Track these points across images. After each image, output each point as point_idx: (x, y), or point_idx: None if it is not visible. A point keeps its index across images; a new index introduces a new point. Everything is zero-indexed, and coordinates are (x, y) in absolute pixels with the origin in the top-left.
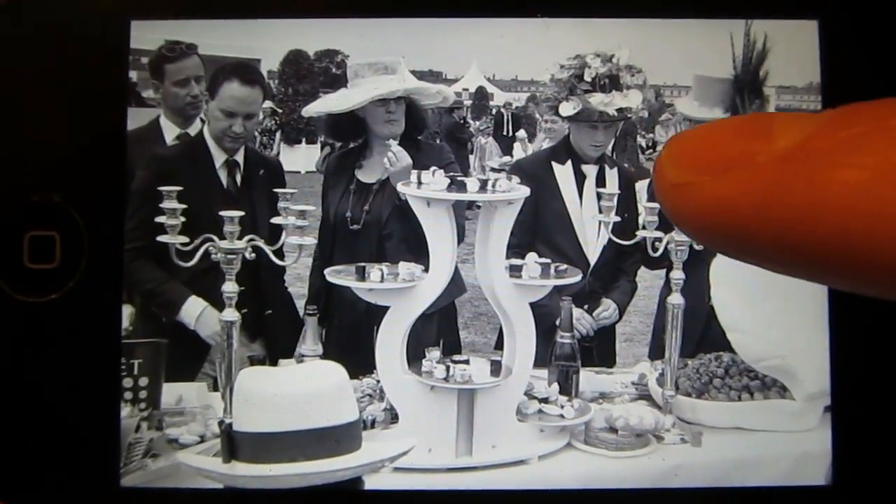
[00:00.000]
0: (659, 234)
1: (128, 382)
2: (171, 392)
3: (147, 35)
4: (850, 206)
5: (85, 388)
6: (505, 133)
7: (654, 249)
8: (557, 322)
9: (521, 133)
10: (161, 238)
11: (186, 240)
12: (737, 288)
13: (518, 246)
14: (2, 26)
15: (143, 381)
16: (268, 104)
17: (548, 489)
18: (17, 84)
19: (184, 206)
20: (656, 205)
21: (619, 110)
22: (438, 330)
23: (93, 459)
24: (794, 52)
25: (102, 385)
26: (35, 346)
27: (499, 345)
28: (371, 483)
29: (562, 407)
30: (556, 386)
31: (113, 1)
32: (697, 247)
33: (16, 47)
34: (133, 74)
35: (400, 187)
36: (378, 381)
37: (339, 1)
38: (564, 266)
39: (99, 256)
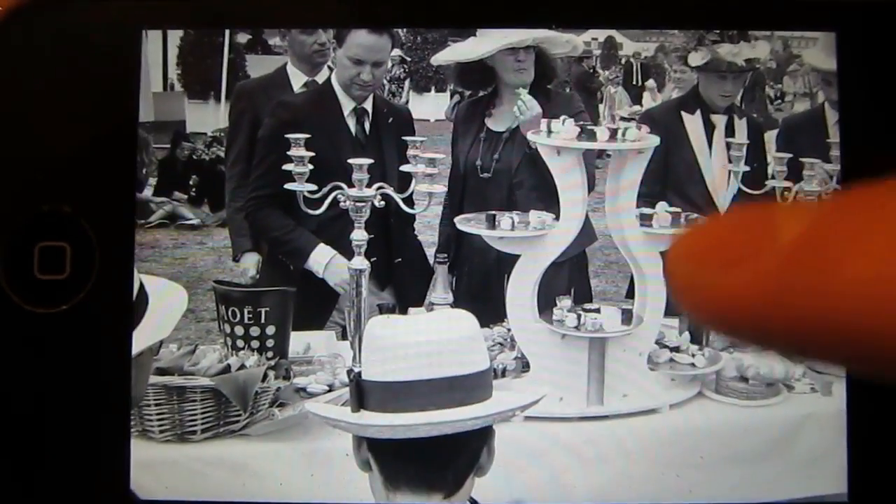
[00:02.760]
0: (788, 183)
1: (254, 331)
2: (299, 341)
3: None
4: (856, 301)
5: (95, 399)
6: (634, 83)
7: (784, 199)
8: None
9: (651, 83)
10: (289, 186)
11: (314, 187)
12: None
13: (648, 195)
14: (12, 35)
15: (270, 330)
16: (396, 52)
17: None
18: (27, 94)
19: (311, 153)
20: (786, 154)
21: (748, 61)
22: (569, 278)
23: (102, 470)
24: None
25: (112, 396)
26: (45, 358)
27: (630, 293)
28: (502, 432)
29: (693, 356)
30: (687, 335)
31: (125, 10)
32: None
33: (26, 57)
34: None
35: (530, 136)
36: (509, 330)
37: None
38: (695, 215)
39: (109, 267)
